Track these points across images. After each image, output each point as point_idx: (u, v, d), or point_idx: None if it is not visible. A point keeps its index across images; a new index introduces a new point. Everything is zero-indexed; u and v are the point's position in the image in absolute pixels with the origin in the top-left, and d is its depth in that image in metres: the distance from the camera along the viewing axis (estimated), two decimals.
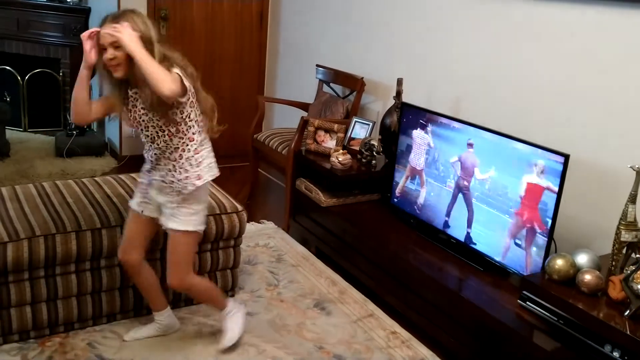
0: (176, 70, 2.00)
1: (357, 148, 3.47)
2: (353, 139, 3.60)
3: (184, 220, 2.23)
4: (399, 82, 3.33)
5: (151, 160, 2.24)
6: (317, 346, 2.59)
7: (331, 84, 4.15)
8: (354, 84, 3.87)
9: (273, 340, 2.60)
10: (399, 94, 3.34)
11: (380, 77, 3.83)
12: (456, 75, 3.29)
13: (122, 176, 2.95)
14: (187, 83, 2.02)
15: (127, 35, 1.91)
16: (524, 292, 2.32)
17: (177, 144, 2.15)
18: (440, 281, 2.62)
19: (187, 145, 2.16)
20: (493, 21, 3.06)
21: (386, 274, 2.90)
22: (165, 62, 2.00)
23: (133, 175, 2.97)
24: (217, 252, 2.78)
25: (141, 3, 4.44)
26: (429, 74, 3.46)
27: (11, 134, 4.80)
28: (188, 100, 2.08)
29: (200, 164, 2.20)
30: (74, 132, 4.80)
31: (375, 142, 3.31)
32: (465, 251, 2.80)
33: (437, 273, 2.70)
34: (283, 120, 4.77)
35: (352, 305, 2.95)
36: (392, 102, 3.60)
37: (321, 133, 3.50)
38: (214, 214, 2.71)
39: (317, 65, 4.20)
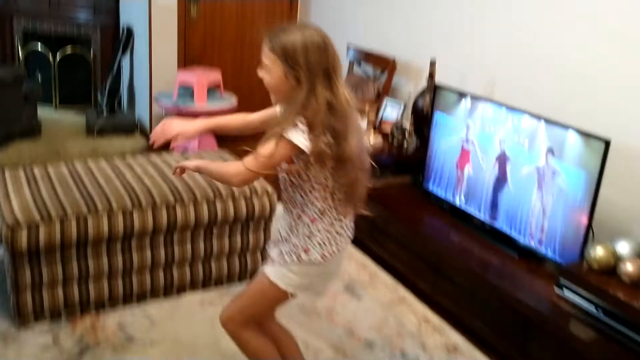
0: (293, 130, 1.61)
1: (388, 130, 3.40)
2: (384, 120, 3.53)
3: (278, 271, 1.82)
4: (432, 63, 3.25)
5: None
6: (348, 331, 2.57)
7: (362, 65, 4.07)
8: (385, 64, 3.79)
9: (303, 324, 2.57)
10: (432, 75, 3.26)
11: (412, 58, 3.74)
12: (491, 56, 3.19)
13: (153, 155, 2.93)
14: (304, 144, 1.61)
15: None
16: (562, 279, 2.25)
17: (298, 200, 1.78)
18: (473, 267, 2.57)
19: (308, 207, 1.77)
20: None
21: (417, 259, 2.85)
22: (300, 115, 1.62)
23: (165, 154, 2.96)
24: (248, 234, 2.76)
25: None
26: (462, 55, 3.36)
27: (42, 111, 4.82)
28: (307, 164, 1.67)
29: (312, 237, 1.78)
30: (104, 110, 4.81)
31: (407, 124, 3.24)
32: (499, 237, 2.73)
33: (469, 258, 2.64)
34: None
35: (383, 290, 2.92)
36: (424, 83, 3.53)
37: None
38: (245, 196, 2.68)
39: (348, 46, 4.12)
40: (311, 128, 1.61)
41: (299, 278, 1.80)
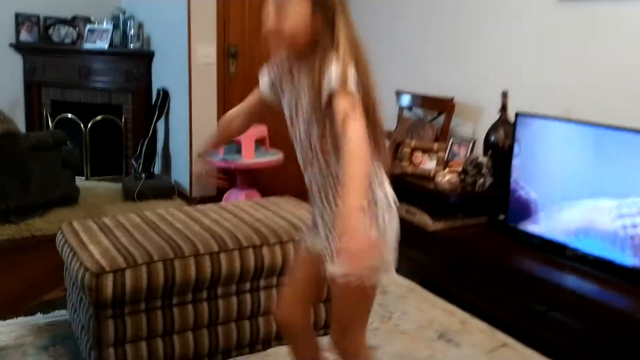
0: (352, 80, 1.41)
1: (457, 169, 3.24)
2: (450, 159, 3.39)
3: None
4: (505, 94, 3.15)
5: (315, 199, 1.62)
6: None
7: (413, 110, 3.97)
8: (443, 106, 3.68)
9: None
10: (504, 107, 3.15)
11: (465, 98, 3.64)
12: (564, 80, 3.09)
13: (225, 203, 2.75)
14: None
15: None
16: None
17: (335, 164, 1.53)
18: (593, 300, 2.35)
19: None
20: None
21: (514, 299, 2.62)
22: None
23: (238, 203, 2.78)
24: None
25: (210, 39, 4.36)
26: (529, 84, 3.26)
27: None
28: None
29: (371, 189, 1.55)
30: (143, 175, 4.66)
31: (483, 160, 3.09)
32: (610, 268, 2.52)
33: (583, 291, 2.42)
34: None
35: (479, 335, 2.67)
36: (483, 121, 3.43)
37: (418, 154, 3.30)
38: None
39: (397, 92, 4.03)
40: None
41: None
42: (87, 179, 5.15)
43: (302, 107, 1.52)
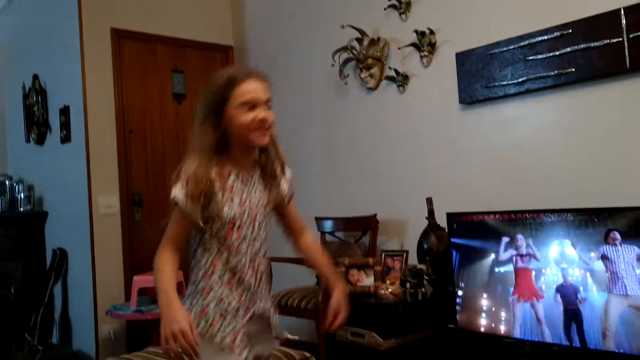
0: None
1: (396, 281, 3.13)
2: (386, 274, 3.27)
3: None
4: (429, 201, 3.15)
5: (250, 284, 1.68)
6: None
7: (335, 233, 3.88)
8: (366, 224, 3.63)
9: None
10: (431, 213, 3.14)
11: (387, 212, 3.63)
12: (474, 179, 3.18)
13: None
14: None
15: None
16: None
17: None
18: None
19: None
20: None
21: None
22: None
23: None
24: None
25: (113, 189, 4.12)
26: (441, 190, 3.31)
27: None
28: None
29: None
30: (39, 348, 4.09)
31: (422, 267, 3.00)
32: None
33: None
34: (278, 284, 4.20)
35: None
36: (409, 232, 3.44)
37: (354, 272, 3.16)
38: None
39: (317, 218, 3.94)
40: None
41: None
42: None
43: (259, 205, 1.70)
